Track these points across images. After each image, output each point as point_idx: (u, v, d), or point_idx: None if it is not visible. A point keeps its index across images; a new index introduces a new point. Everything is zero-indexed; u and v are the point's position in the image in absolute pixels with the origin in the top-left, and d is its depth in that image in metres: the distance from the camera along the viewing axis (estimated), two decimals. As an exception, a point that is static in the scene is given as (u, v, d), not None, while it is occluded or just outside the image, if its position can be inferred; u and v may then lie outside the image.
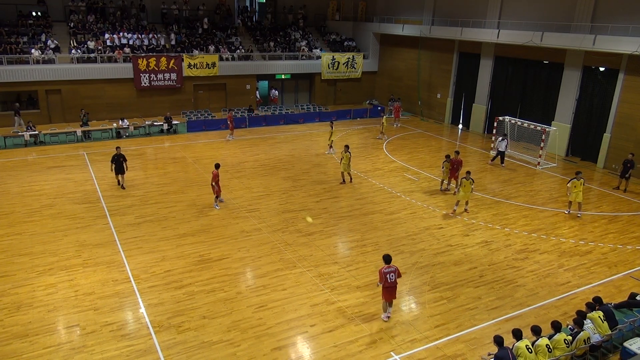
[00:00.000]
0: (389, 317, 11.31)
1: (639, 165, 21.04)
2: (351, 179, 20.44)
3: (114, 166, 18.70)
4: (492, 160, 23.80)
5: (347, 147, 19.89)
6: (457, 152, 19.79)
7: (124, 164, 18.82)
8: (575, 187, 17.01)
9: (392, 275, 10.88)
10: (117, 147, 19.13)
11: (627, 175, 20.27)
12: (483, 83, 29.81)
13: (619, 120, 22.78)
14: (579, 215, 17.39)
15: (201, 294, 12.05)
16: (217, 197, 17.52)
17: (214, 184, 17.24)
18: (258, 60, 34.04)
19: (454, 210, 17.55)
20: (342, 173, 20.30)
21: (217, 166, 17.48)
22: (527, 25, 25.91)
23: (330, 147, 24.63)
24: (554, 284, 13.06)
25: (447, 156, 19.51)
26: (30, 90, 28.16)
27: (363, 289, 12.44)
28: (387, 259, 11.01)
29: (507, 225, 16.65)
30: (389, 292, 11.03)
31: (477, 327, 11.14)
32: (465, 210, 17.64)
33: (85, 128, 26.37)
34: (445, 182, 19.80)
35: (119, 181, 19.20)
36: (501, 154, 23.34)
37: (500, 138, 23.40)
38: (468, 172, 17.33)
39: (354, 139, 27.38)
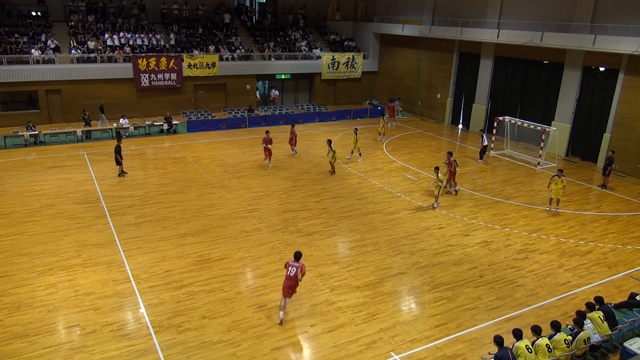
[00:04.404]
0: (281, 319, 10.92)
1: (616, 166, 21.28)
2: (333, 170, 21.50)
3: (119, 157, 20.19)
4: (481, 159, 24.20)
5: (329, 141, 21.27)
6: (450, 153, 19.70)
7: (117, 156, 20.25)
8: (555, 184, 17.34)
9: (292, 269, 10.86)
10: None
11: (606, 172, 20.42)
12: (483, 83, 29.80)
13: (619, 120, 22.78)
14: (547, 209, 17.80)
15: (201, 294, 12.05)
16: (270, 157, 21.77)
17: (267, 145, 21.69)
18: (258, 60, 34.06)
19: (434, 207, 17.93)
20: (331, 163, 21.43)
21: (267, 132, 22.19)
22: (527, 25, 25.91)
23: (359, 154, 23.94)
24: (554, 284, 13.06)
25: (449, 153, 19.56)
26: (30, 90, 28.16)
27: (363, 289, 12.45)
28: (296, 255, 11.11)
29: (507, 225, 16.65)
30: (286, 284, 10.86)
31: (477, 327, 11.13)
32: (434, 206, 17.95)
33: (87, 128, 26.44)
34: (452, 183, 19.79)
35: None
36: (482, 149, 24.04)
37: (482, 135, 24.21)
38: (436, 168, 17.89)
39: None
